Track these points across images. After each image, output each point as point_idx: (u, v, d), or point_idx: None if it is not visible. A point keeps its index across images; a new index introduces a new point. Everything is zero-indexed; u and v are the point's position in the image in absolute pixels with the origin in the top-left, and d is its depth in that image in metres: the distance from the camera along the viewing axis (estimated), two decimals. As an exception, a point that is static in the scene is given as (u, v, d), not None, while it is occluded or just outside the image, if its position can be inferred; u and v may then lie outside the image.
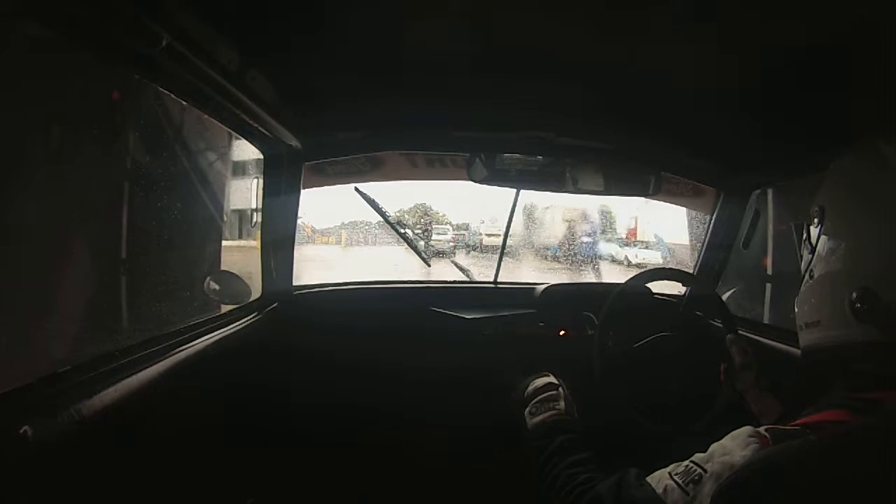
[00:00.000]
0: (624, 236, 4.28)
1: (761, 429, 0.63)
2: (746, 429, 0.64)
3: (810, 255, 0.72)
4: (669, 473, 0.66)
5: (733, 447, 0.62)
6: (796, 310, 0.74)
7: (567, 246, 3.86)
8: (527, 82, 1.17)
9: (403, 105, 1.35)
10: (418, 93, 1.26)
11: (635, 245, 4.08)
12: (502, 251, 1.87)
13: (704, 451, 0.66)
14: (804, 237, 0.74)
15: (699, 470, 0.63)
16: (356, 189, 1.73)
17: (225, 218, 1.45)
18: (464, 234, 4.12)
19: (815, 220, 0.71)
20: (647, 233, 4.06)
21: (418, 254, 1.85)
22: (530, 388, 1.04)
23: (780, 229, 1.67)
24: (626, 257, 4.16)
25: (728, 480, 0.58)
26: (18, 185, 0.74)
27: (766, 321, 1.66)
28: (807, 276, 0.72)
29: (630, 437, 1.50)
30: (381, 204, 1.76)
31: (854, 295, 0.63)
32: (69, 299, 0.87)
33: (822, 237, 0.69)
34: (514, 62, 1.05)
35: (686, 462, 0.66)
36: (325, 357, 1.49)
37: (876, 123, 0.81)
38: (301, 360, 1.47)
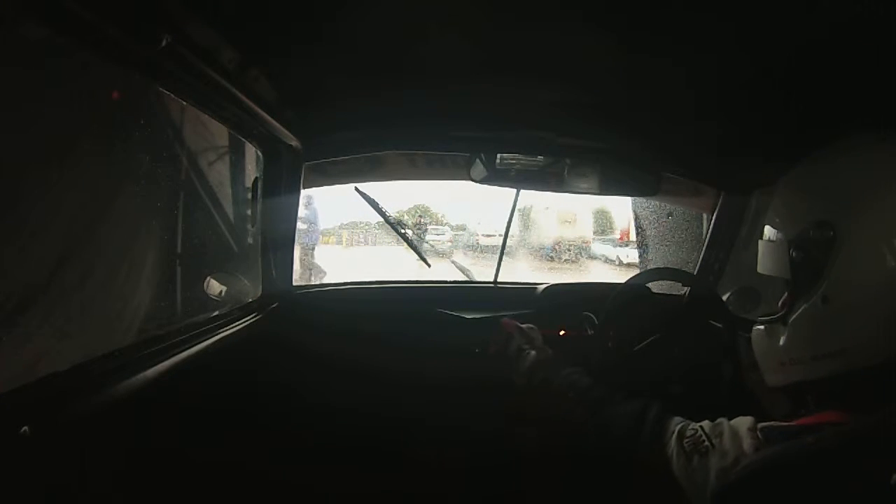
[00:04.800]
0: (617, 237, 4.32)
1: (758, 426, 0.63)
2: (750, 419, 0.64)
3: (813, 279, 0.64)
4: (679, 434, 0.67)
5: (739, 432, 0.63)
6: (780, 343, 0.67)
7: (562, 246, 3.89)
8: (527, 82, 1.17)
9: (404, 105, 1.35)
10: (418, 93, 1.26)
11: (627, 245, 4.11)
12: (502, 251, 1.87)
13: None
14: (796, 258, 0.66)
15: (707, 443, 0.64)
16: (356, 189, 1.73)
17: (231, 218, 1.45)
18: (462, 235, 4.14)
19: (817, 238, 0.63)
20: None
21: (418, 254, 1.85)
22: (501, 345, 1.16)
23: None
24: (618, 257, 4.20)
25: (728, 481, 0.58)
26: (22, 186, 0.74)
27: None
28: (812, 304, 0.64)
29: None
30: (381, 204, 1.77)
31: None
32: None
33: (841, 255, 0.61)
34: (514, 62, 1.05)
35: (696, 428, 0.67)
36: (326, 357, 1.49)
37: (878, 120, 0.80)
38: (301, 360, 1.47)
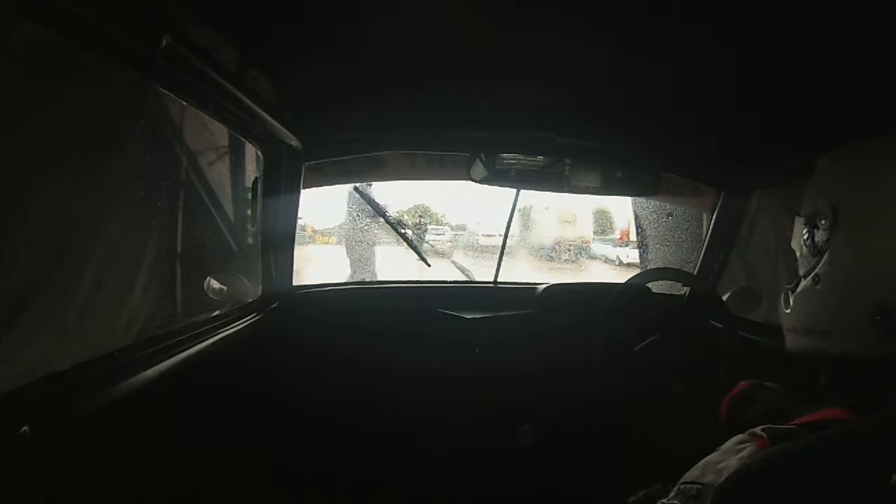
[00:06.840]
0: (617, 237, 4.32)
1: (757, 429, 0.62)
2: (735, 438, 0.63)
3: (814, 258, 0.67)
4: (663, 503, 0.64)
5: (726, 456, 0.61)
6: (787, 311, 0.71)
7: (562, 246, 3.89)
8: (526, 83, 1.17)
9: (403, 105, 1.35)
10: (418, 93, 1.26)
11: (627, 245, 4.09)
12: (502, 251, 1.87)
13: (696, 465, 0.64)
14: (806, 237, 0.69)
15: (696, 486, 0.61)
16: (356, 189, 1.73)
17: (231, 218, 1.45)
18: (462, 235, 4.14)
19: (824, 222, 0.66)
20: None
21: (418, 254, 1.85)
22: None
23: (781, 229, 1.67)
24: (618, 257, 4.20)
25: (727, 481, 0.58)
26: (21, 186, 0.74)
27: (766, 321, 1.66)
28: (808, 280, 0.67)
29: (630, 438, 1.50)
30: (382, 204, 1.77)
31: (874, 308, 0.59)
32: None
33: (835, 241, 0.64)
34: (514, 63, 1.05)
35: (676, 486, 0.63)
36: (325, 357, 1.49)
37: (881, 121, 0.80)
38: (301, 360, 1.47)
